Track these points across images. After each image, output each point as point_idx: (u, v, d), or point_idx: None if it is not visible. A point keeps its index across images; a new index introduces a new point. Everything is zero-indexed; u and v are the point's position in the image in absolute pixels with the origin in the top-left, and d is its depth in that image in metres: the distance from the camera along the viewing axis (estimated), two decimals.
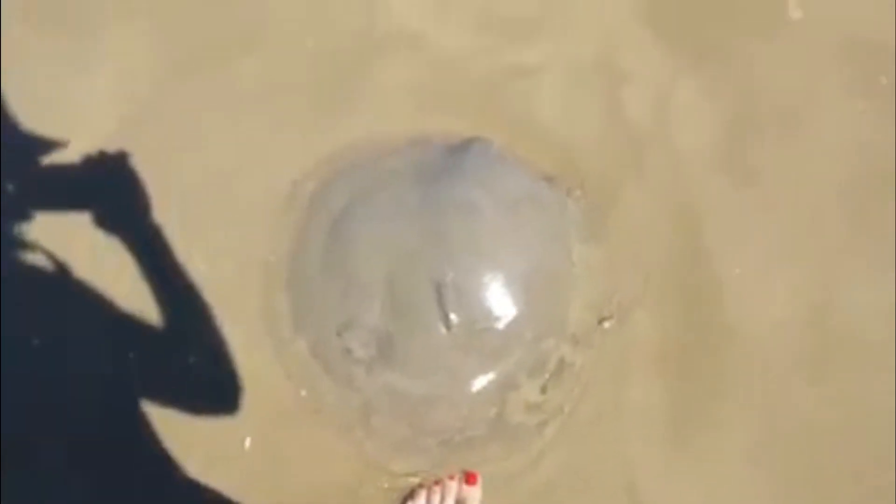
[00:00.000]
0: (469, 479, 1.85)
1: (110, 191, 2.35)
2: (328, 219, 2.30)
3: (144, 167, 2.38)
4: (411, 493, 1.86)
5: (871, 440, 2.10)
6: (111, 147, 2.38)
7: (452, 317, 2.08)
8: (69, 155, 2.38)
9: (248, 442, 2.04)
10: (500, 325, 2.12)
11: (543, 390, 2.12)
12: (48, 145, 2.39)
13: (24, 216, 2.29)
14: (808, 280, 2.28)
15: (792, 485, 2.04)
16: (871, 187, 2.37)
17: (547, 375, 2.14)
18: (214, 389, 2.09)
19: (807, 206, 2.38)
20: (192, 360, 2.15)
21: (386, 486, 2.02)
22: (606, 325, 2.19)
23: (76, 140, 2.39)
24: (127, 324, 2.17)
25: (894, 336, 2.16)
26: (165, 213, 2.31)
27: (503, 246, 2.18)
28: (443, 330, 2.09)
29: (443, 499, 1.82)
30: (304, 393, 2.12)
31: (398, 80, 2.56)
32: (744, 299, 2.22)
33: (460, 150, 2.31)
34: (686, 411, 2.12)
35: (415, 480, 2.00)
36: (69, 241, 2.27)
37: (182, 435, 2.05)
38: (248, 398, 2.09)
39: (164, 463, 1.99)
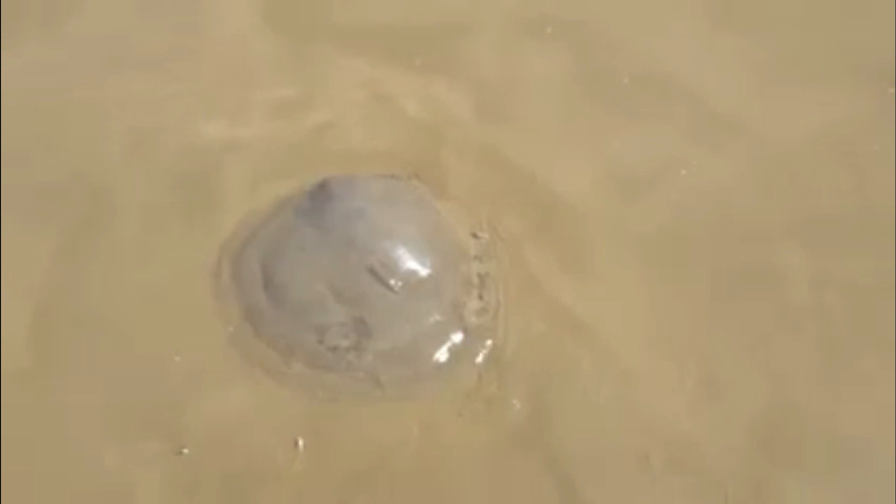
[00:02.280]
0: None
1: None
2: (256, 279, 2.79)
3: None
4: None
5: None
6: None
7: (392, 282, 2.68)
8: None
9: (300, 442, 2.39)
10: (426, 272, 2.76)
11: (480, 297, 2.77)
12: None
13: None
14: (587, 152, 3.24)
15: None
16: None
17: (476, 287, 2.79)
18: None
19: (553, 113, 3.38)
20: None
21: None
22: (481, 235, 2.92)
23: None
24: None
25: None
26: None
27: (394, 224, 2.85)
28: (392, 294, 2.67)
29: None
30: (320, 394, 2.53)
31: (241, 174, 3.15)
32: (552, 179, 3.11)
33: (319, 188, 2.95)
34: (570, 259, 2.90)
35: None
36: None
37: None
38: (278, 419, 2.44)
39: None
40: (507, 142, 3.29)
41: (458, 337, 2.68)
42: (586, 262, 2.90)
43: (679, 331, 2.71)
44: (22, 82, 3.46)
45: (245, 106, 3.41)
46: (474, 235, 2.93)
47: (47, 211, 2.98)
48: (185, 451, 2.37)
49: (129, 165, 3.17)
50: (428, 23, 3.79)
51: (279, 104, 3.44)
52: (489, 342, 2.67)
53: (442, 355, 2.63)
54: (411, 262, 2.75)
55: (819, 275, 2.83)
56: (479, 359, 2.63)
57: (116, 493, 2.31)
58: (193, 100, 3.43)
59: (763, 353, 2.66)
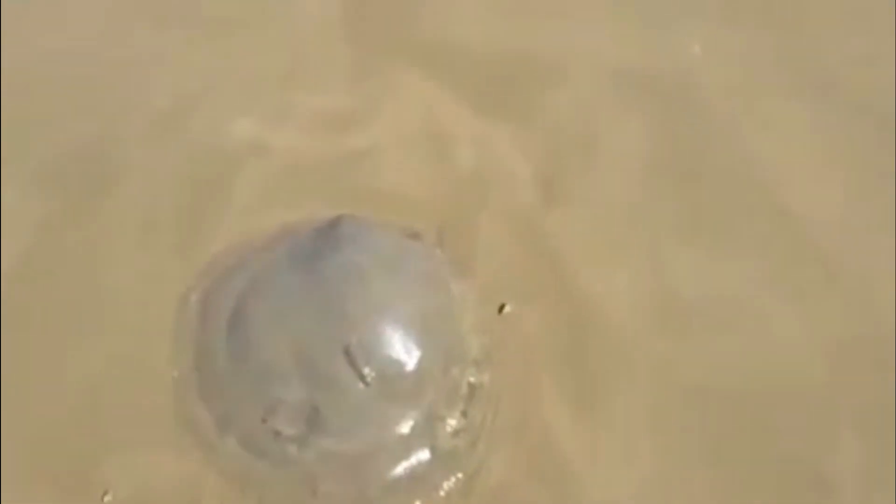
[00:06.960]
0: None
1: None
2: (222, 320, 2.43)
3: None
4: None
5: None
6: None
7: (366, 371, 2.27)
8: None
9: None
10: (410, 367, 2.33)
11: (464, 414, 2.34)
12: None
13: None
14: (641, 263, 2.73)
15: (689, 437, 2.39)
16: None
17: (463, 401, 2.36)
18: None
19: (618, 205, 2.87)
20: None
21: None
22: (507, 308, 2.51)
23: None
24: None
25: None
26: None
27: (393, 299, 2.42)
28: (361, 386, 2.26)
29: None
30: (246, 487, 2.18)
31: (255, 187, 2.79)
32: (593, 286, 2.61)
33: (329, 227, 2.54)
34: (583, 394, 2.43)
35: None
36: None
37: None
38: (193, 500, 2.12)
39: None
40: (556, 223, 2.81)
41: (423, 457, 2.27)
42: (598, 401, 2.42)
43: None
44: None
45: (285, 109, 3.04)
46: (500, 310, 2.51)
47: (44, 179, 2.73)
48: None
49: (141, 146, 2.87)
50: (517, 54, 3.32)
51: (322, 115, 3.05)
52: (458, 474, 2.25)
53: (397, 476, 2.23)
54: (396, 350, 2.34)
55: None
56: (441, 492, 2.22)
57: None
58: (234, 90, 3.08)
59: None
